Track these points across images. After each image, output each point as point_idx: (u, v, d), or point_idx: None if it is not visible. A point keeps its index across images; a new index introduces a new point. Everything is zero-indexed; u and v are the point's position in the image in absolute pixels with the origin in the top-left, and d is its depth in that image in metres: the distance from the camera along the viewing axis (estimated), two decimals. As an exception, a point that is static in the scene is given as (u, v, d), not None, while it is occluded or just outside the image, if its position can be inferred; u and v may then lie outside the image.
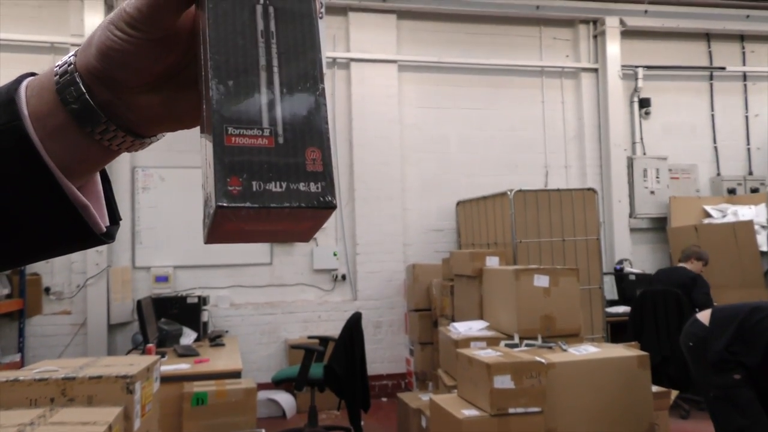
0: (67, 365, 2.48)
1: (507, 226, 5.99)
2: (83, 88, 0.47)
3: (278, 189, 0.40)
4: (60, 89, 0.47)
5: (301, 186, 0.40)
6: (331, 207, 0.41)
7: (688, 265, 5.95)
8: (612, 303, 6.51)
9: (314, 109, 0.42)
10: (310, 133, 0.41)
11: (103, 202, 0.55)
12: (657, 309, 5.59)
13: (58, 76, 0.48)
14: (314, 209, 0.40)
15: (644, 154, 8.05)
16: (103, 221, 0.53)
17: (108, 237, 0.53)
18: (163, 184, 6.71)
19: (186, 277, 6.72)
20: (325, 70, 0.44)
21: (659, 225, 7.88)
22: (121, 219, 0.59)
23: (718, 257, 6.35)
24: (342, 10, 7.23)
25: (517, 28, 7.86)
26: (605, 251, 7.25)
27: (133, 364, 2.47)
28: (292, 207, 0.40)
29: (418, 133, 7.47)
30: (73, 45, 6.48)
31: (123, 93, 0.48)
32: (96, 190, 0.54)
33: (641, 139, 8.10)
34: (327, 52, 6.58)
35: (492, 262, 5.36)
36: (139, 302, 5.00)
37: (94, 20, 6.45)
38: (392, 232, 7.22)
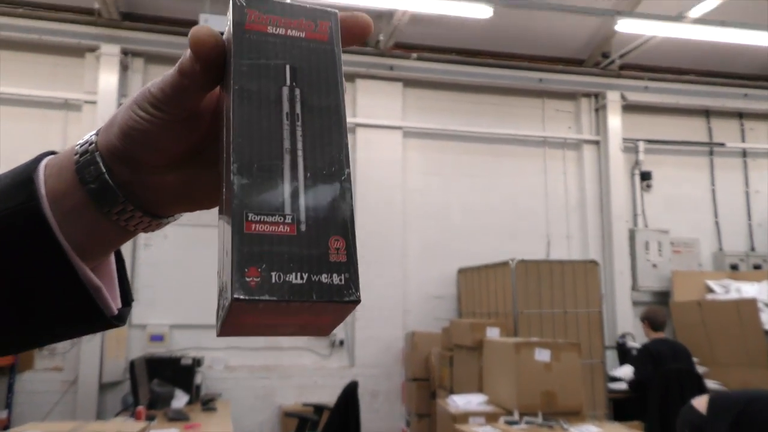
0: (53, 430, 2.41)
1: (508, 296, 5.94)
2: (103, 168, 0.46)
3: (299, 281, 0.37)
4: (79, 168, 0.47)
5: (324, 278, 0.38)
6: (355, 302, 0.38)
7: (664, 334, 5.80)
8: (613, 379, 6.36)
9: (339, 195, 0.40)
10: (335, 221, 0.39)
11: (116, 283, 0.54)
12: (671, 389, 5.37)
13: (78, 155, 0.47)
14: (337, 303, 0.38)
15: (646, 226, 8.07)
16: (115, 303, 0.52)
17: (119, 320, 0.52)
18: (166, 242, 6.70)
19: (182, 336, 6.62)
20: (349, 155, 0.43)
21: (662, 299, 7.80)
22: (133, 300, 0.57)
23: (721, 335, 6.26)
24: (350, 77, 7.41)
25: (520, 99, 8.03)
26: (607, 324, 7.15)
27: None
28: (313, 301, 0.38)
29: (420, 199, 7.52)
30: (86, 102, 6.62)
31: (143, 173, 0.47)
32: (110, 271, 0.54)
33: (643, 211, 8.14)
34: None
35: (492, 333, 5.29)
36: (132, 363, 4.90)
37: (108, 78, 6.60)
38: (392, 297, 7.16)
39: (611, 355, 6.88)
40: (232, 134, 0.40)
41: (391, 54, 7.45)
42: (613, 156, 7.93)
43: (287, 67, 0.42)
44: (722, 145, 8.48)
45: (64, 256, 0.45)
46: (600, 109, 8.14)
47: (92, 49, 6.71)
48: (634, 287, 7.78)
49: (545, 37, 7.65)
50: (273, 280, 0.37)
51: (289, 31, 0.44)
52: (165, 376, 5.52)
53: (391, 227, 7.25)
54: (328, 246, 0.39)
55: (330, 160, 0.41)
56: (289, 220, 0.39)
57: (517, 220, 7.74)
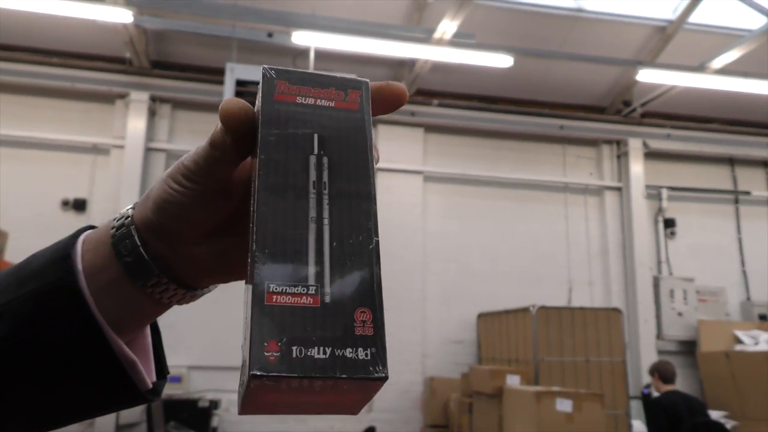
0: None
1: (529, 343, 5.84)
2: (138, 241, 0.47)
3: (321, 356, 0.35)
4: (115, 242, 0.47)
5: (348, 352, 0.36)
6: (382, 378, 0.36)
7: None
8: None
9: (367, 263, 0.39)
10: (361, 292, 0.38)
11: (151, 355, 0.54)
12: None
13: (114, 229, 0.48)
14: (363, 381, 0.36)
15: (670, 274, 7.94)
16: (150, 377, 0.52)
17: (153, 394, 0.51)
18: (186, 283, 6.75)
19: (200, 377, 6.61)
20: (377, 223, 0.41)
21: (688, 348, 7.61)
22: (168, 373, 0.57)
23: (751, 388, 6.05)
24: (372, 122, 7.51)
25: (541, 145, 8.07)
26: (631, 374, 6.97)
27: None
28: (337, 378, 0.35)
29: (440, 242, 7.51)
30: (114, 146, 6.81)
31: (178, 245, 0.48)
32: (145, 344, 0.54)
33: (667, 258, 8.02)
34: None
35: (513, 380, 5.19)
36: (149, 405, 4.89)
37: (136, 123, 6.80)
38: (411, 341, 7.08)
39: (636, 406, 6.68)
40: (256, 204, 0.40)
41: (413, 100, 7.57)
42: (636, 203, 7.87)
43: (315, 136, 0.42)
44: (748, 193, 8.38)
45: (100, 332, 0.46)
46: (622, 156, 8.13)
47: (122, 96, 6.94)
48: (659, 336, 7.61)
49: (566, 85, 7.73)
50: (294, 355, 0.35)
51: (318, 101, 0.44)
52: (181, 419, 5.49)
53: (410, 271, 7.24)
54: (354, 318, 0.37)
55: (358, 228, 0.40)
56: (312, 291, 0.37)
57: (538, 266, 7.68)
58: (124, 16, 5.74)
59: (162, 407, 5.29)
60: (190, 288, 0.50)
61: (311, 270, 0.38)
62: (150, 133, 6.90)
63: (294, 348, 0.35)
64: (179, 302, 0.51)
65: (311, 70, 0.46)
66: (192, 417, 5.59)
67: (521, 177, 7.86)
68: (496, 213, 7.74)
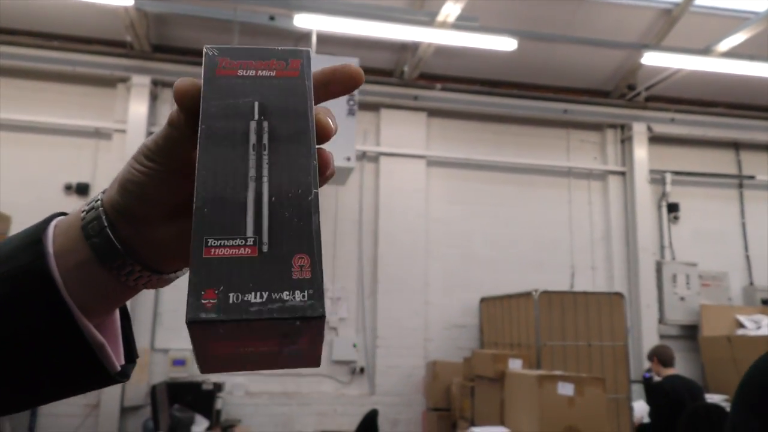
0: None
1: (531, 327, 5.85)
2: (105, 223, 0.48)
3: (258, 300, 0.37)
4: (84, 224, 0.48)
5: (285, 295, 0.37)
6: (318, 317, 0.37)
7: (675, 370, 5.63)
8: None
9: (305, 213, 0.40)
10: (299, 239, 0.39)
11: (120, 340, 0.55)
12: (700, 427, 5.17)
13: (84, 213, 0.49)
14: (298, 321, 0.37)
15: (673, 259, 7.93)
16: (119, 360, 0.53)
17: (122, 376, 0.52)
18: (189, 267, 6.77)
19: (203, 361, 6.64)
20: (317, 177, 0.43)
21: (690, 333, 7.63)
22: (138, 356, 0.58)
23: (752, 371, 6.05)
24: (374, 107, 7.49)
25: (544, 129, 8.03)
26: (633, 358, 7.00)
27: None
28: (272, 319, 0.36)
29: (443, 227, 7.51)
30: (116, 130, 6.79)
31: (142, 227, 0.48)
32: (114, 328, 0.54)
33: (670, 243, 8.01)
34: (357, 146, 6.76)
35: (515, 364, 5.21)
36: (153, 388, 4.93)
37: (138, 107, 6.77)
38: (413, 326, 7.11)
39: (637, 390, 6.71)
40: (197, 170, 0.41)
41: (416, 84, 7.53)
42: (640, 187, 7.85)
43: (256, 103, 0.44)
44: (752, 177, 8.34)
45: (69, 314, 0.47)
46: (626, 141, 8.09)
47: (123, 80, 6.91)
48: (661, 320, 7.62)
49: (570, 69, 7.67)
50: (230, 301, 0.36)
51: (259, 72, 0.45)
52: (186, 401, 5.54)
53: (413, 256, 7.24)
54: (292, 264, 0.38)
55: (297, 183, 0.41)
56: (251, 242, 0.39)
57: (541, 251, 7.67)
58: (125, -1, 5.70)
59: (166, 390, 5.33)
60: (155, 271, 0.50)
61: (249, 223, 0.39)
62: (151, 117, 6.88)
63: (231, 295, 0.37)
64: (147, 286, 0.51)
65: (255, 46, 0.47)
66: (196, 399, 5.64)
67: (524, 161, 7.83)
68: (499, 198, 7.73)
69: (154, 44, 7.00)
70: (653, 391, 5.56)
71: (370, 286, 7.16)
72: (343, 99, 5.27)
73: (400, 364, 7.01)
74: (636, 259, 7.68)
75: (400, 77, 7.50)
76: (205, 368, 0.41)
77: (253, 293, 0.37)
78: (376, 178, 7.41)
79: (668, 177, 8.07)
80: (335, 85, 0.49)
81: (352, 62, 5.04)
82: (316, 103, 0.47)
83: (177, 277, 0.55)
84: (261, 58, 0.46)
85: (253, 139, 0.43)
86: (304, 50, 0.48)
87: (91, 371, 0.49)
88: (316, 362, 0.42)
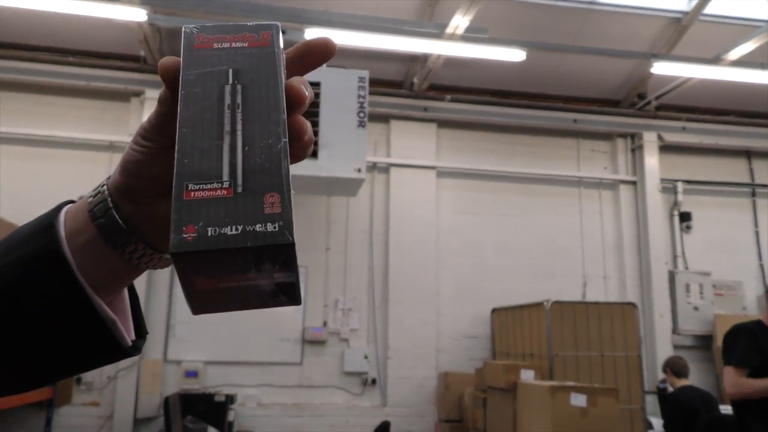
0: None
1: (543, 338, 5.84)
2: (110, 204, 0.51)
3: (233, 232, 0.40)
4: (91, 207, 0.51)
5: (258, 227, 0.41)
6: (287, 244, 0.41)
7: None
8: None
9: (276, 159, 0.44)
10: (270, 180, 0.43)
11: (130, 316, 0.58)
12: None
13: (92, 197, 0.52)
14: (271, 247, 0.40)
15: (686, 268, 7.88)
16: (130, 335, 0.56)
17: (134, 350, 0.56)
18: (202, 279, 6.81)
19: (216, 372, 6.68)
20: (287, 129, 0.46)
21: (704, 343, 7.56)
22: (147, 333, 0.61)
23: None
24: (384, 118, 7.54)
25: (554, 139, 8.03)
26: (647, 368, 6.94)
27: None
28: (246, 248, 0.40)
29: (454, 238, 7.51)
30: (130, 143, 6.87)
31: (143, 204, 0.51)
32: (123, 306, 0.57)
33: (683, 253, 7.96)
34: (368, 157, 6.79)
35: (527, 375, 5.19)
36: (166, 399, 4.96)
37: (151, 121, 6.85)
38: (425, 336, 7.10)
39: (651, 401, 6.66)
40: (177, 129, 0.45)
41: (426, 96, 7.57)
42: (651, 196, 7.82)
43: (230, 70, 0.48)
44: (765, 186, 8.29)
45: (82, 292, 0.50)
46: (636, 150, 8.07)
47: (137, 94, 7.01)
48: (675, 330, 7.56)
49: (579, 78, 7.68)
50: (209, 234, 0.40)
51: (233, 44, 0.50)
52: (198, 413, 5.56)
53: (424, 266, 7.25)
54: (264, 201, 0.42)
55: (268, 134, 0.45)
56: (226, 185, 0.43)
57: (553, 260, 7.65)
58: (139, 14, 5.79)
59: (179, 401, 5.36)
60: (157, 249, 0.53)
61: (225, 168, 0.43)
62: (157, 100, 6.95)
63: (209, 229, 0.41)
64: (152, 266, 0.54)
65: (229, 23, 0.52)
66: (208, 411, 5.66)
67: (535, 171, 7.83)
68: (509, 208, 7.73)
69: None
70: (667, 403, 5.51)
71: (382, 297, 7.17)
72: (354, 111, 5.31)
73: (411, 375, 7.00)
74: (648, 269, 7.64)
75: (409, 89, 7.55)
76: (194, 308, 0.44)
77: (229, 227, 0.41)
78: (387, 189, 7.44)
79: (680, 186, 8.03)
80: (311, 56, 0.53)
81: (362, 74, 5.05)
82: (295, 75, 0.51)
83: None
84: (235, 32, 0.51)
85: (227, 99, 0.46)
86: (274, 24, 0.52)
87: (105, 346, 0.53)
88: (296, 299, 0.45)
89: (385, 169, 7.50)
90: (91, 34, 6.77)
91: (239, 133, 0.45)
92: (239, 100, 0.47)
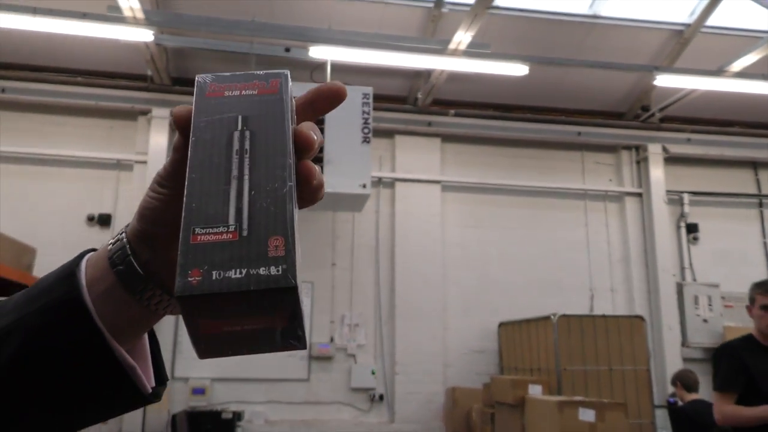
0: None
1: (551, 352, 5.81)
2: (128, 251, 0.52)
3: (238, 275, 0.41)
4: (111, 255, 0.52)
5: (261, 270, 0.41)
6: (291, 287, 0.41)
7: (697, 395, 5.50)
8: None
9: (281, 202, 0.45)
10: (275, 224, 0.43)
11: (150, 363, 0.59)
12: None
13: (111, 245, 0.53)
14: (275, 291, 0.41)
15: (694, 280, 7.83)
16: (150, 382, 0.56)
17: (154, 397, 0.56)
18: (208, 296, 6.83)
19: (223, 389, 6.67)
20: (296, 174, 0.47)
21: (714, 355, 7.48)
22: (168, 379, 0.61)
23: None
24: (389, 133, 7.57)
25: (559, 152, 8.04)
26: (656, 382, 6.88)
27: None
28: (250, 291, 0.40)
29: (460, 252, 7.51)
30: (137, 162, 6.94)
31: (160, 250, 0.52)
32: (143, 352, 0.58)
33: (690, 264, 7.92)
34: (373, 173, 6.81)
35: (535, 390, 5.16)
36: (173, 417, 4.96)
37: (158, 139, 6.92)
38: (432, 351, 7.08)
39: (661, 415, 6.59)
40: (187, 175, 0.46)
41: (430, 111, 7.61)
42: (657, 208, 7.80)
43: (239, 117, 0.50)
44: (772, 196, 8.26)
45: (102, 339, 0.51)
46: (641, 162, 8.07)
47: (144, 113, 7.08)
48: (684, 343, 7.50)
49: (583, 91, 7.70)
50: (213, 278, 0.41)
51: (243, 92, 0.51)
52: (205, 430, 5.55)
53: (430, 281, 7.24)
54: (268, 245, 0.42)
55: (274, 178, 0.46)
56: (232, 228, 0.43)
57: (559, 274, 7.63)
58: (145, 35, 5.87)
59: (186, 419, 5.35)
60: (174, 295, 0.54)
61: (231, 213, 0.44)
62: (171, 148, 7.01)
63: (214, 272, 0.41)
64: (168, 311, 0.55)
65: (240, 72, 0.54)
66: (216, 428, 5.65)
67: (540, 185, 7.84)
68: (515, 221, 7.72)
69: (174, 77, 7.17)
70: (677, 417, 5.46)
71: (388, 312, 7.16)
72: (358, 127, 5.35)
73: (419, 390, 6.97)
74: (656, 281, 7.60)
75: (413, 104, 7.59)
76: (200, 351, 0.45)
77: (233, 270, 0.41)
78: (392, 203, 7.45)
79: (686, 197, 8.01)
80: (320, 102, 0.54)
81: (366, 90, 5.08)
82: (306, 120, 0.52)
83: None
84: (245, 80, 0.52)
85: (236, 145, 0.48)
86: (282, 72, 0.54)
87: (124, 393, 0.53)
88: (302, 344, 0.45)
89: (390, 184, 7.52)
90: (98, 55, 6.86)
91: (246, 177, 0.46)
92: (247, 145, 0.48)
